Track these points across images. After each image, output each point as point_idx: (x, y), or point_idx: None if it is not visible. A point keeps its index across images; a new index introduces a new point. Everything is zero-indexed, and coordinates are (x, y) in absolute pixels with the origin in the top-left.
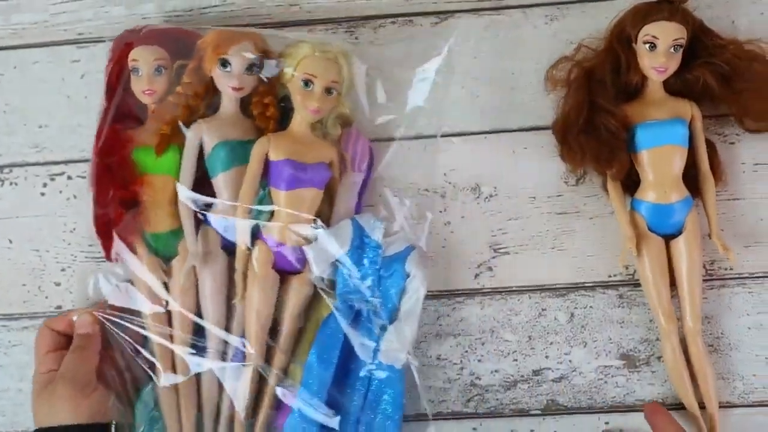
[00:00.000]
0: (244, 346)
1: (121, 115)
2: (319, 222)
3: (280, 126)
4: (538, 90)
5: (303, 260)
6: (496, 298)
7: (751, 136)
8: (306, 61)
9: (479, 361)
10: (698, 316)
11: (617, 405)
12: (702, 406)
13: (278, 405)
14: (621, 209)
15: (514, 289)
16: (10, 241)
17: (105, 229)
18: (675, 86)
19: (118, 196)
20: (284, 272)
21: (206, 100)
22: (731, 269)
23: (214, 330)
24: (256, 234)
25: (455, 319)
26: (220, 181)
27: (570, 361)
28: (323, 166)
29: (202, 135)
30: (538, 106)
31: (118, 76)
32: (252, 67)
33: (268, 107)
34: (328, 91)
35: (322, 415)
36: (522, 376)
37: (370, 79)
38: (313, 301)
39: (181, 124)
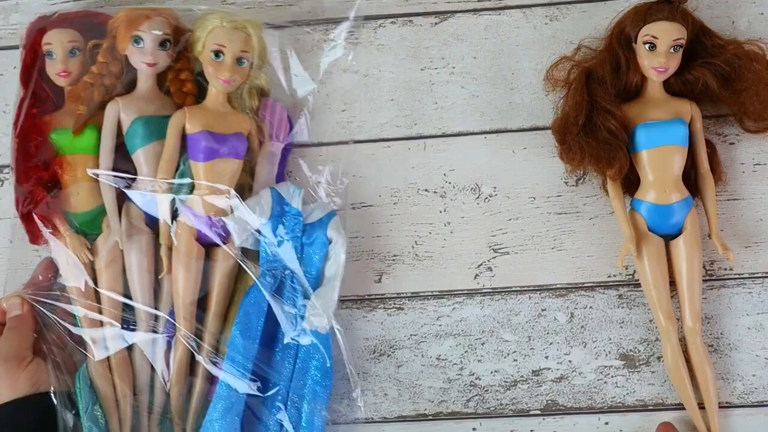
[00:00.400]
0: (173, 320)
1: (39, 100)
2: (233, 192)
3: (197, 101)
4: (538, 90)
5: (226, 232)
6: (496, 299)
7: (751, 136)
8: (215, 32)
9: (479, 361)
10: (698, 316)
11: (617, 405)
12: (702, 406)
13: (211, 377)
14: (621, 209)
15: (514, 289)
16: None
17: (28, 212)
18: (675, 86)
19: (38, 179)
20: (209, 245)
21: (122, 78)
22: (731, 269)
23: (140, 306)
24: (179, 207)
25: (455, 319)
26: (139, 156)
27: (570, 361)
28: (240, 136)
29: (119, 112)
30: (538, 106)
31: (32, 62)
32: (165, 43)
33: (184, 83)
34: (239, 61)
35: (245, 384)
36: (522, 376)
37: (283, 48)
38: (242, 272)
39: (98, 102)
